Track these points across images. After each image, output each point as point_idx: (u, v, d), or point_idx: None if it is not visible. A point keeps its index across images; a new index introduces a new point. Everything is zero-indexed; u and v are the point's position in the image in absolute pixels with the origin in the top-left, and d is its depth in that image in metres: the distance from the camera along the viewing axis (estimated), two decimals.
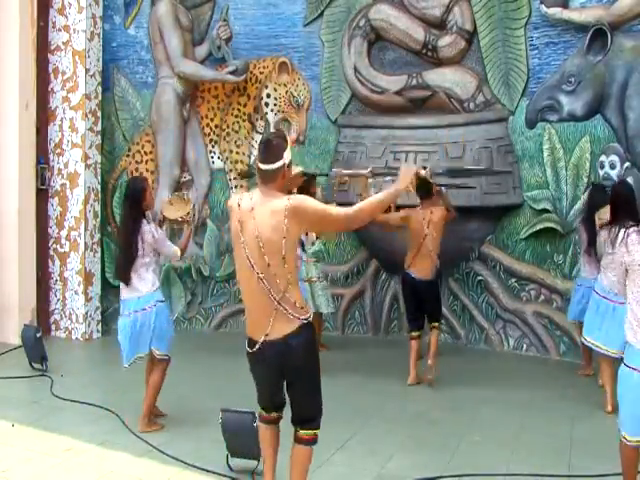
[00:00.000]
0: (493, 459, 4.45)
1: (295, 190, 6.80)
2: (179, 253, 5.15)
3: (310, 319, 3.36)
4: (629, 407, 3.61)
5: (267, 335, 3.29)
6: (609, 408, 5.33)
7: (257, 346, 3.33)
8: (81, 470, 4.23)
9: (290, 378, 3.41)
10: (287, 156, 3.34)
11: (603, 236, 4.83)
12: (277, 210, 3.24)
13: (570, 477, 4.25)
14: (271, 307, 3.27)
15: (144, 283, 4.90)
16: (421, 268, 6.23)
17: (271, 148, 3.33)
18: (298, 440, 3.47)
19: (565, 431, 5.00)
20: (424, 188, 5.97)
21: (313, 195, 6.89)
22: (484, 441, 4.82)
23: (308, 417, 3.46)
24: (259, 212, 3.29)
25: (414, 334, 6.37)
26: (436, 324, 6.65)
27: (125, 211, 5.01)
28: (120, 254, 5.02)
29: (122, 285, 4.97)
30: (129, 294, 4.92)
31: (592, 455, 4.54)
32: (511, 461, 4.45)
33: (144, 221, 4.90)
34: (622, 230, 4.29)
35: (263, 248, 3.24)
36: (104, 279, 8.21)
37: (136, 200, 4.90)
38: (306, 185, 6.81)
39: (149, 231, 4.87)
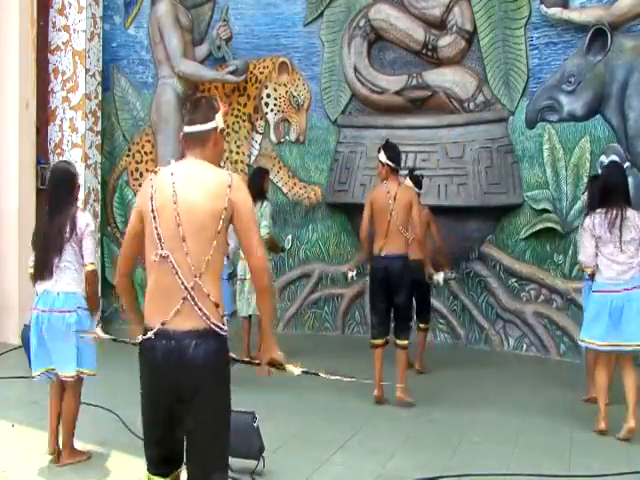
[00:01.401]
0: (493, 459, 4.45)
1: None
2: (94, 269, 4.25)
3: (227, 333, 2.65)
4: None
5: (164, 323, 2.54)
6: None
7: (149, 334, 2.56)
8: (81, 471, 4.22)
9: (185, 406, 2.59)
10: (220, 120, 2.74)
11: (595, 220, 4.79)
12: (216, 181, 2.62)
13: (570, 477, 4.24)
14: (178, 294, 2.55)
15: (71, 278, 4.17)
16: (392, 247, 5.43)
17: (200, 107, 2.73)
18: None
19: (565, 431, 5.00)
20: (395, 158, 5.49)
21: (266, 191, 6.90)
22: (484, 441, 4.82)
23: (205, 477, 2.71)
24: (184, 178, 2.62)
25: (378, 341, 5.58)
26: (423, 325, 6.62)
27: (57, 195, 4.25)
28: (45, 240, 4.19)
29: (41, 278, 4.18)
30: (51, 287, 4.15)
31: (592, 455, 4.54)
32: (511, 461, 4.44)
33: (78, 207, 4.36)
34: (619, 211, 4.47)
35: (179, 217, 2.55)
36: (104, 279, 8.20)
37: (72, 185, 4.29)
38: (260, 180, 6.81)
39: (83, 217, 4.24)
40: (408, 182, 6.24)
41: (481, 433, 4.98)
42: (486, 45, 7.67)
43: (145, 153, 8.48)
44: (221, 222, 2.57)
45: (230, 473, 4.17)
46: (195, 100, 2.82)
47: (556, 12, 7.17)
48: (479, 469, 4.27)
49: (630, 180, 6.82)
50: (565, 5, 7.18)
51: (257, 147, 8.54)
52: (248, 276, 6.77)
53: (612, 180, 4.89)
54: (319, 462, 4.38)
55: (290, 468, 4.29)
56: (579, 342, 5.15)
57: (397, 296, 5.47)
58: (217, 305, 2.58)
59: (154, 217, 2.59)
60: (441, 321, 8.02)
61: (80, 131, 7.82)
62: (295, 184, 8.44)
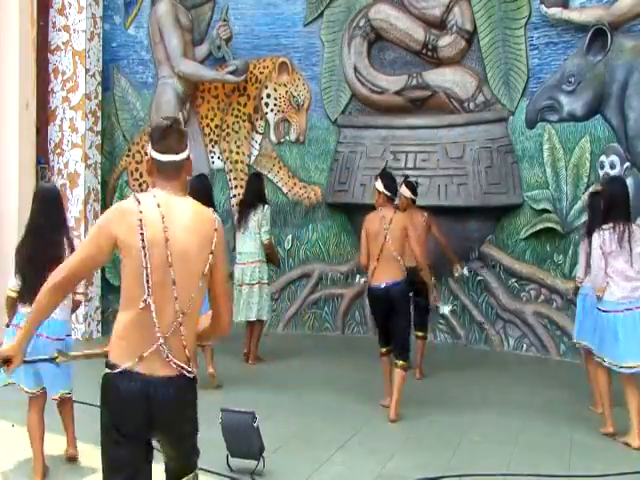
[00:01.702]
0: (493, 459, 4.45)
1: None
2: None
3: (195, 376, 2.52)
4: None
5: (138, 361, 2.41)
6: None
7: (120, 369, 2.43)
8: (79, 470, 4.23)
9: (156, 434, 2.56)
10: (188, 147, 2.63)
11: (605, 237, 4.76)
12: (205, 222, 2.52)
13: (570, 477, 4.24)
14: (154, 341, 2.41)
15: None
16: (387, 274, 5.37)
17: (174, 134, 2.56)
18: None
19: (565, 431, 5.00)
20: (392, 187, 5.51)
21: (264, 195, 7.03)
22: (484, 441, 4.82)
23: None
24: (172, 214, 2.46)
25: (383, 350, 5.59)
26: (421, 333, 6.53)
27: (50, 212, 4.19)
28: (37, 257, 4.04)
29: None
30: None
31: (592, 455, 4.55)
32: (511, 461, 4.44)
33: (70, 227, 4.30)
34: (626, 226, 4.50)
35: (171, 257, 2.41)
36: (104, 280, 8.20)
37: (61, 205, 4.28)
38: (259, 185, 7.01)
39: (76, 236, 4.23)
40: (404, 189, 6.29)
41: (481, 433, 4.98)
42: (486, 45, 7.67)
43: (145, 153, 8.40)
44: (208, 266, 2.46)
45: (230, 473, 4.18)
46: (165, 127, 2.57)
47: (556, 12, 7.17)
48: (479, 469, 4.27)
49: (630, 180, 6.84)
50: (565, 5, 7.18)
51: (257, 147, 8.54)
52: (246, 281, 6.82)
53: (617, 195, 4.85)
54: (319, 462, 4.38)
55: (290, 468, 4.29)
56: (599, 359, 4.86)
57: (394, 322, 5.41)
58: (189, 359, 2.47)
59: (145, 254, 2.39)
60: (441, 321, 8.02)
61: (80, 131, 7.82)
62: (295, 184, 8.44)
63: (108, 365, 2.48)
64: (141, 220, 2.41)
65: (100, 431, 2.57)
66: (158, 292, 2.40)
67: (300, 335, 8.25)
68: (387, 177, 5.57)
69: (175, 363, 2.42)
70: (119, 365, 2.43)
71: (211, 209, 2.60)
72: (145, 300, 2.40)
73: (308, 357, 7.17)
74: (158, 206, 2.46)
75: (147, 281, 2.39)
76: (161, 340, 2.40)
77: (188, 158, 2.61)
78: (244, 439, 4.14)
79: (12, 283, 4.14)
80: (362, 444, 4.76)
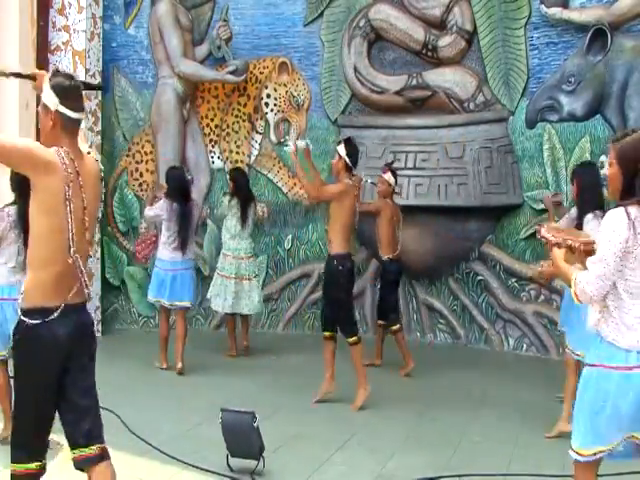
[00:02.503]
0: (493, 459, 4.45)
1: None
2: None
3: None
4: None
5: (67, 299, 2.74)
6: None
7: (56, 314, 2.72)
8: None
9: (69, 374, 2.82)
10: None
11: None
12: (97, 177, 2.86)
13: (570, 477, 4.24)
14: (76, 278, 2.75)
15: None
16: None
17: (80, 95, 2.82)
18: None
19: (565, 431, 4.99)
20: (354, 156, 5.51)
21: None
22: (484, 441, 4.82)
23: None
24: (83, 173, 2.76)
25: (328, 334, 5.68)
26: (389, 326, 6.74)
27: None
28: None
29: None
30: None
31: None
32: (511, 461, 4.44)
33: None
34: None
35: (87, 219, 2.76)
36: (104, 279, 8.21)
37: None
38: (247, 180, 7.51)
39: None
40: (389, 176, 6.51)
41: (481, 433, 4.99)
42: (486, 45, 7.67)
43: (145, 153, 8.48)
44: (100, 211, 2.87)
45: (230, 473, 4.19)
46: (76, 86, 2.81)
47: (556, 12, 7.17)
48: (479, 469, 4.27)
49: None
50: (565, 5, 7.18)
51: (257, 147, 8.54)
52: (242, 274, 7.10)
53: (587, 185, 4.70)
54: (319, 462, 4.38)
55: (290, 468, 4.29)
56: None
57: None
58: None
59: (69, 210, 2.67)
60: (441, 321, 8.02)
61: None
62: (295, 184, 8.44)
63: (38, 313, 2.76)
64: (67, 169, 2.68)
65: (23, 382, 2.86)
66: (78, 242, 2.72)
67: (300, 335, 8.25)
68: (351, 145, 5.54)
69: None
70: (50, 306, 2.74)
71: (97, 160, 2.93)
72: (71, 254, 2.70)
73: (308, 357, 7.16)
74: (73, 161, 2.71)
75: (70, 228, 2.69)
76: (80, 276, 2.77)
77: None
78: (244, 439, 4.14)
79: None
80: (362, 444, 4.76)
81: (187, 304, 6.70)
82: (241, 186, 7.18)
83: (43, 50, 7.83)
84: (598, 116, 7.09)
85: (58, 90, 2.73)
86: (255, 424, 4.13)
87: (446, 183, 7.58)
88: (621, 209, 2.71)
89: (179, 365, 6.44)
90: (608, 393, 2.76)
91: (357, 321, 5.62)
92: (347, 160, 5.44)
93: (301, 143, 6.01)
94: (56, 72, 2.81)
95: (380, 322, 6.87)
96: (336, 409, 5.51)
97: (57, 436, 4.55)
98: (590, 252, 2.78)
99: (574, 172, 5.12)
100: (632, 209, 2.70)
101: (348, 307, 5.64)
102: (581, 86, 7.09)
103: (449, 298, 8.00)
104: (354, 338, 5.56)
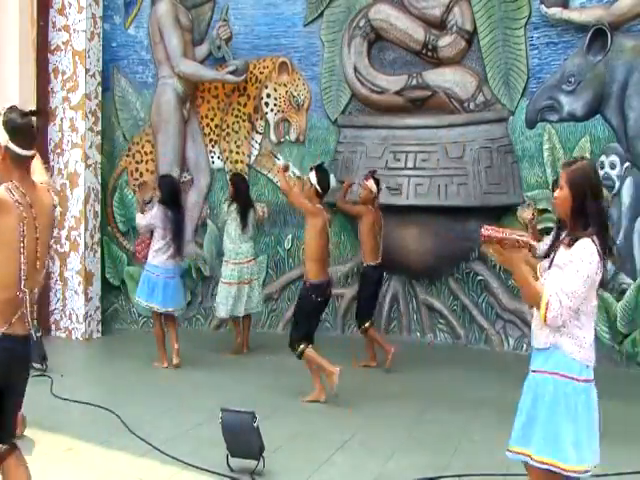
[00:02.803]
0: (493, 459, 4.45)
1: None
2: None
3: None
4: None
5: (9, 327, 2.92)
6: None
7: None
8: (81, 470, 4.23)
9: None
10: None
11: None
12: (50, 206, 3.06)
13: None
14: (20, 307, 2.93)
15: None
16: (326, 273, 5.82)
17: (33, 133, 3.00)
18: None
19: None
20: (325, 183, 5.68)
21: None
22: (484, 441, 4.82)
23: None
24: (35, 204, 2.93)
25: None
26: (362, 325, 6.85)
27: None
28: None
29: None
30: None
31: None
32: (511, 461, 4.44)
33: None
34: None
35: (39, 250, 2.95)
36: (104, 279, 8.21)
37: None
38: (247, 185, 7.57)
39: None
40: (371, 183, 6.63)
41: (481, 433, 4.98)
42: (486, 45, 7.67)
43: (145, 153, 8.48)
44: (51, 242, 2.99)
45: (230, 473, 4.19)
46: (29, 125, 2.94)
47: (556, 12, 7.16)
48: (479, 469, 4.27)
49: (630, 180, 6.86)
50: (565, 5, 7.18)
51: (257, 147, 8.54)
52: (244, 279, 7.19)
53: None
54: (319, 462, 4.39)
55: (290, 468, 4.29)
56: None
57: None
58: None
59: (21, 245, 2.86)
60: (441, 321, 8.02)
61: (80, 131, 7.82)
62: (295, 184, 8.44)
63: None
64: (18, 203, 2.83)
65: None
66: (29, 274, 2.90)
67: None
68: (322, 171, 5.72)
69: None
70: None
71: (50, 189, 3.12)
72: (21, 287, 2.89)
73: None
74: (24, 195, 2.86)
75: (22, 257, 2.87)
76: (23, 307, 2.95)
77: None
78: (244, 439, 4.14)
79: None
80: (362, 444, 4.76)
81: (180, 309, 6.95)
82: (241, 191, 7.23)
83: (43, 50, 7.84)
84: (598, 116, 7.08)
85: (9, 127, 2.89)
86: (255, 424, 4.14)
87: (446, 183, 7.58)
88: (589, 241, 2.83)
89: (175, 360, 6.56)
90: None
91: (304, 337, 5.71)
92: (317, 187, 5.60)
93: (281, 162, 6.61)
94: (11, 108, 2.95)
95: (363, 326, 6.85)
96: (336, 409, 5.51)
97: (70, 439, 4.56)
98: (527, 245, 2.91)
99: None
100: (596, 240, 2.84)
101: (303, 325, 5.73)
102: (581, 86, 7.09)
103: (449, 298, 7.99)
104: (299, 349, 5.64)
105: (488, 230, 3.05)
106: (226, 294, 7.14)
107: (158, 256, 6.63)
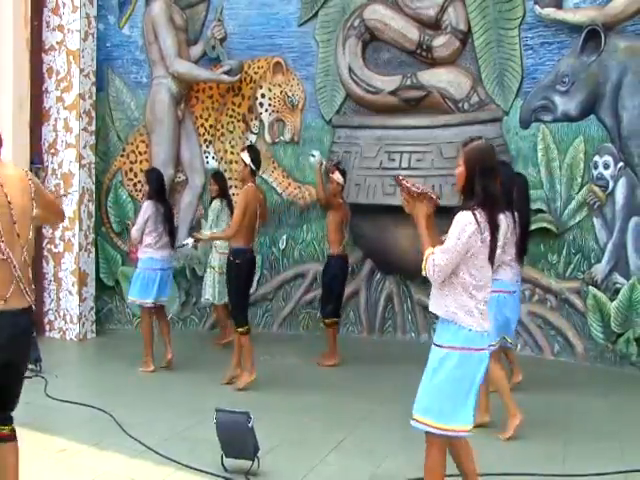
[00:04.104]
0: (492, 459, 4.45)
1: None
2: None
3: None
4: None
5: (5, 302, 3.02)
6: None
7: None
8: (75, 471, 4.22)
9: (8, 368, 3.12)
10: None
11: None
12: (21, 176, 3.21)
13: (568, 477, 4.25)
14: (11, 278, 3.06)
15: None
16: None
17: None
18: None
19: (561, 431, 5.01)
20: (257, 161, 6.01)
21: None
22: (483, 441, 4.82)
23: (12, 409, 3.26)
24: (4, 177, 3.14)
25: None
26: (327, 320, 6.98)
27: None
28: None
29: None
30: None
31: (588, 455, 4.55)
32: (510, 461, 4.45)
33: None
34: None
35: (14, 216, 3.07)
36: (98, 279, 8.19)
37: None
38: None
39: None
40: (338, 175, 6.82)
41: (481, 432, 4.98)
42: (480, 45, 7.68)
43: (139, 153, 8.46)
44: (33, 210, 3.15)
45: (224, 473, 4.18)
46: None
47: (550, 12, 7.18)
48: (479, 469, 4.26)
49: (624, 180, 6.87)
50: (559, 5, 7.19)
51: None
52: (217, 267, 7.38)
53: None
54: (314, 462, 4.39)
55: (285, 468, 4.29)
56: None
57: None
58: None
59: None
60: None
61: (74, 131, 7.80)
62: (290, 184, 8.44)
63: None
64: None
65: None
66: (8, 242, 3.03)
67: (294, 335, 8.25)
68: (254, 150, 6.08)
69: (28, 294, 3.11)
70: None
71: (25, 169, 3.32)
72: (3, 251, 3.01)
73: (302, 357, 7.17)
74: None
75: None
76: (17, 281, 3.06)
77: None
78: (239, 439, 4.14)
79: None
80: (357, 444, 4.76)
81: (166, 299, 6.87)
82: (225, 188, 7.54)
83: (37, 50, 7.82)
84: (592, 116, 7.10)
85: None
86: (250, 424, 4.13)
87: (440, 183, 7.57)
88: (469, 213, 3.14)
89: (169, 356, 6.56)
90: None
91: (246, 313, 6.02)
92: (252, 166, 5.91)
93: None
94: None
95: (328, 321, 6.91)
96: (331, 409, 5.51)
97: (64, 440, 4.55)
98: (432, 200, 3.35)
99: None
100: (478, 213, 3.12)
101: (238, 297, 5.95)
102: (575, 86, 7.10)
103: None
104: (241, 329, 5.92)
105: (403, 180, 3.31)
106: (211, 277, 7.44)
107: (154, 250, 6.59)
